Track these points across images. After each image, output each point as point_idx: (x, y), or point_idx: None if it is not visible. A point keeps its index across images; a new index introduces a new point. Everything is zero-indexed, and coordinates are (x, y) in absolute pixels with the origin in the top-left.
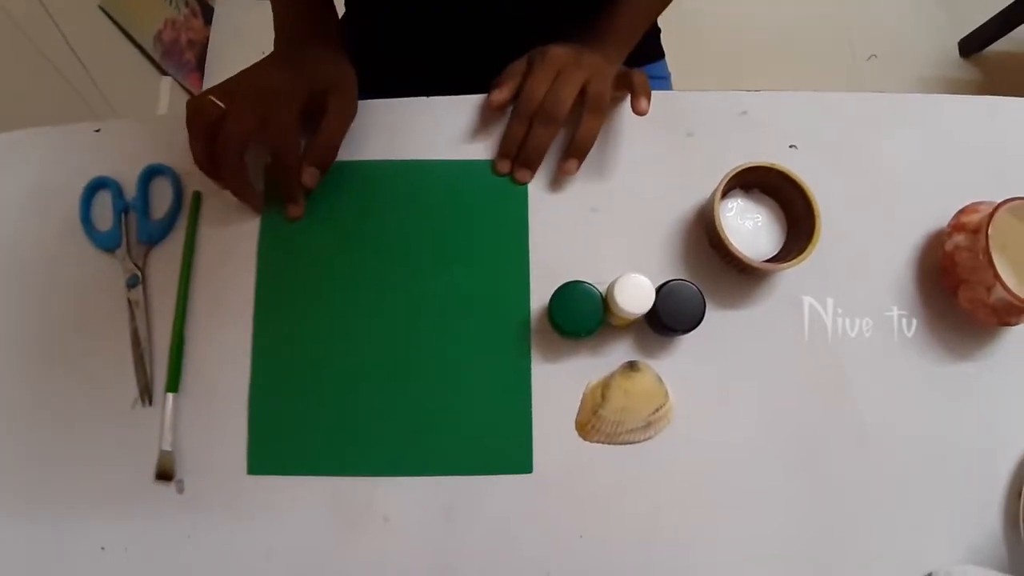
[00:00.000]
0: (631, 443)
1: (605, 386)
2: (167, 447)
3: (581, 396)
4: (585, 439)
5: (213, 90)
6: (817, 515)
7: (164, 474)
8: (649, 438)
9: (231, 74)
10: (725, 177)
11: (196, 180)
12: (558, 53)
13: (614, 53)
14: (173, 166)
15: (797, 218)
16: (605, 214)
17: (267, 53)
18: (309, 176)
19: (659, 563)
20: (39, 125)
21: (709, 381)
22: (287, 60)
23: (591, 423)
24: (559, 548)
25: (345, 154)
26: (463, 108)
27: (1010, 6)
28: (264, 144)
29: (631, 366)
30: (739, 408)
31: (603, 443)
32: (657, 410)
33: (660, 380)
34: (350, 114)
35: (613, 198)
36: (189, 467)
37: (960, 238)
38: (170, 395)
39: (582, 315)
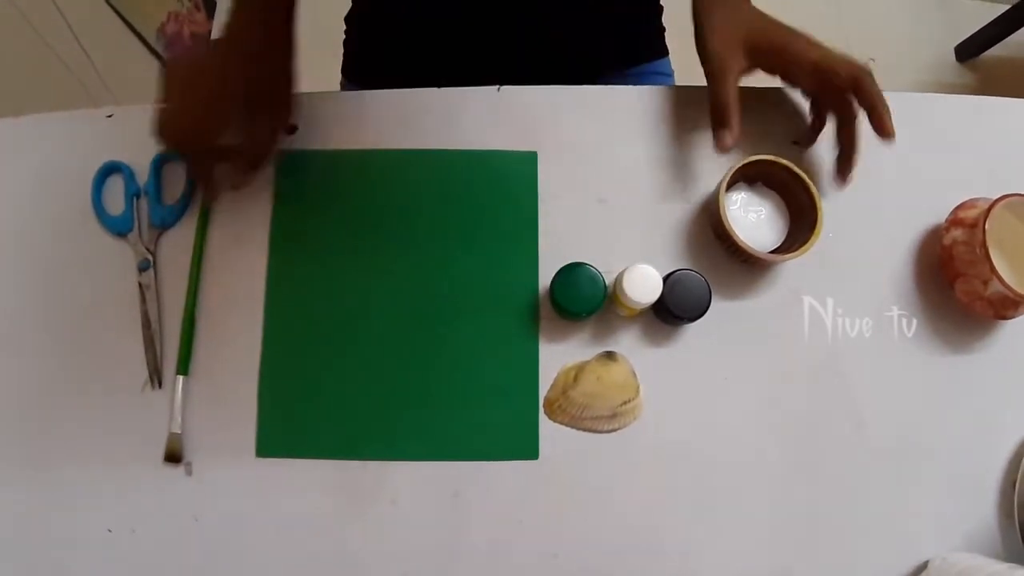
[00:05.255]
0: (593, 431)
1: (579, 369)
2: (176, 429)
3: (555, 375)
4: (550, 418)
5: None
6: (815, 503)
7: (173, 456)
8: (613, 430)
9: None
10: (730, 170)
11: None
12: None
13: None
14: None
15: (799, 211)
16: (613, 205)
17: None
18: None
19: (662, 549)
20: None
21: (714, 367)
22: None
23: (558, 402)
24: (564, 533)
25: (358, 142)
26: (474, 99)
27: (1007, 12)
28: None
29: (608, 355)
30: (741, 394)
31: (566, 424)
32: (625, 403)
33: (634, 375)
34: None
35: (621, 190)
36: (198, 449)
37: (958, 233)
38: (180, 378)
39: (583, 296)
